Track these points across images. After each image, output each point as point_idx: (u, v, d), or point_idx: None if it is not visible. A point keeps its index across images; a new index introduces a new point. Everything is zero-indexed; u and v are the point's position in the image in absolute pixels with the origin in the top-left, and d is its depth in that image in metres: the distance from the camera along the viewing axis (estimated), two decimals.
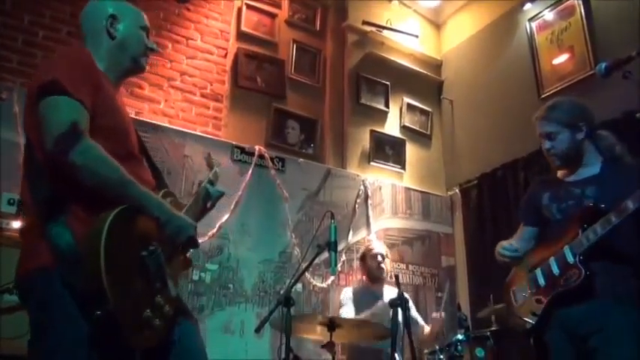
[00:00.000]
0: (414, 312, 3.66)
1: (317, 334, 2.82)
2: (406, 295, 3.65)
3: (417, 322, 3.62)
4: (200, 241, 3.56)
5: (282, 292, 3.81)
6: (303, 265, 3.95)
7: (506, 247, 2.28)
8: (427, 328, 3.59)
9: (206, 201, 1.85)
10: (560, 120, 2.26)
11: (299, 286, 3.88)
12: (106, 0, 1.80)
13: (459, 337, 2.86)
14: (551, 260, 2.13)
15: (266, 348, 3.58)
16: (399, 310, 2.38)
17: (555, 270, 2.11)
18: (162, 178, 1.90)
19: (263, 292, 3.77)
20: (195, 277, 3.55)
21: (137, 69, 1.83)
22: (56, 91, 1.45)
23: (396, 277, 2.68)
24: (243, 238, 3.80)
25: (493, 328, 3.15)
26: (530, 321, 2.13)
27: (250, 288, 3.73)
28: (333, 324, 2.67)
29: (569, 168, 2.31)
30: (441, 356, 2.80)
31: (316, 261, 3.80)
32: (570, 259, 2.06)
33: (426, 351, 2.99)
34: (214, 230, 3.67)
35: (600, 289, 2.01)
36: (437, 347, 2.89)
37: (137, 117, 3.74)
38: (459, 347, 2.84)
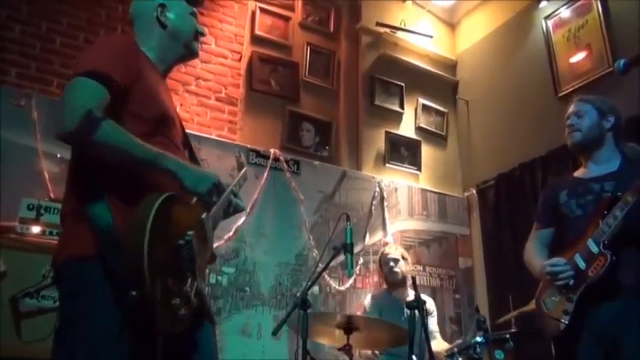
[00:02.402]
0: (433, 324, 3.59)
1: (334, 337, 2.81)
2: (430, 304, 3.64)
3: (431, 332, 3.56)
4: (216, 245, 3.60)
5: (298, 294, 3.82)
6: (320, 268, 3.98)
7: (557, 262, 2.17)
8: (442, 345, 3.48)
9: (229, 209, 1.81)
10: (592, 102, 2.33)
11: (316, 288, 3.87)
12: None
13: (478, 339, 2.82)
14: (577, 256, 2.12)
15: (283, 351, 3.58)
16: (416, 313, 2.35)
17: (582, 265, 2.09)
18: None
19: (280, 295, 3.77)
20: (212, 281, 3.56)
21: (190, 55, 1.85)
22: (80, 72, 1.45)
23: (413, 279, 2.65)
24: (259, 241, 3.80)
25: (513, 330, 3.11)
26: (564, 321, 2.08)
27: (267, 291, 3.73)
28: (350, 325, 2.65)
29: (584, 153, 2.32)
30: (460, 359, 2.76)
31: (333, 263, 3.82)
32: (595, 249, 2.06)
33: (444, 353, 2.95)
34: (231, 234, 3.68)
35: (627, 285, 1.99)
36: (455, 350, 2.85)
37: None
38: (478, 349, 2.80)
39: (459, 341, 3.09)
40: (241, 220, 3.74)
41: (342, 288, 4.01)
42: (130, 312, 1.33)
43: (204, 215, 1.57)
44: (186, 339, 1.53)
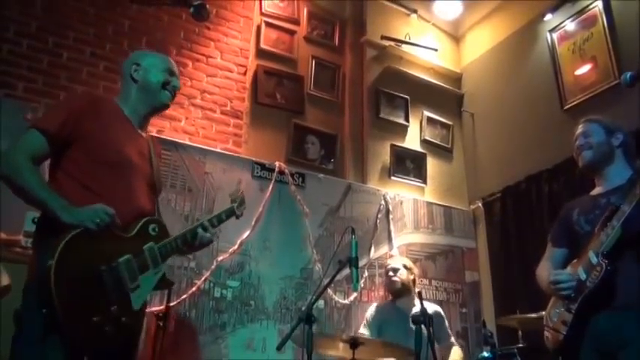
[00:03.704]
0: (444, 330, 3.57)
1: (339, 351, 2.78)
2: (438, 308, 3.62)
3: (447, 337, 3.54)
4: (221, 258, 3.60)
5: (303, 308, 3.79)
6: (325, 282, 3.95)
7: (561, 272, 2.19)
8: (457, 352, 3.45)
9: (194, 241, 2.03)
10: (600, 122, 2.36)
11: (321, 302, 3.85)
12: (136, 52, 2.19)
13: (485, 354, 2.79)
14: (580, 268, 2.13)
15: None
16: (423, 327, 2.32)
17: (583, 276, 2.10)
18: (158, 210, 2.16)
19: (285, 309, 3.74)
20: (217, 295, 3.54)
21: (159, 104, 2.10)
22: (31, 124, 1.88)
23: (419, 293, 2.63)
24: (264, 254, 3.79)
25: (520, 345, 3.07)
26: (563, 332, 2.09)
27: (272, 305, 3.71)
28: (355, 343, 2.63)
29: (596, 171, 2.33)
30: None
31: (338, 277, 3.80)
32: (594, 259, 2.07)
33: None
34: (235, 247, 3.66)
35: (627, 296, 1.98)
36: None
37: (158, 135, 3.79)
38: None
39: None
40: (246, 233, 3.73)
41: (347, 302, 3.98)
42: (47, 325, 1.60)
43: (146, 246, 1.86)
44: (117, 356, 1.79)
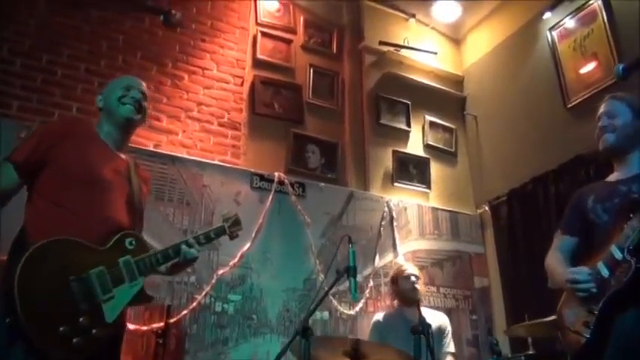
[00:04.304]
0: (448, 345, 3.46)
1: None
2: (444, 319, 3.50)
3: (445, 348, 3.43)
4: (221, 272, 3.54)
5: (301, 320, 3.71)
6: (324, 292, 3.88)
7: (580, 270, 2.01)
8: None
9: (177, 257, 2.01)
10: (627, 101, 2.18)
11: (326, 314, 3.78)
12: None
13: None
14: (600, 264, 1.96)
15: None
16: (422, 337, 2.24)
17: (605, 272, 1.93)
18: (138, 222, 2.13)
19: (288, 322, 3.67)
20: (218, 309, 3.48)
21: (122, 121, 2.09)
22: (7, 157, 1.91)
23: (418, 302, 2.54)
24: (265, 266, 3.72)
25: (529, 353, 2.96)
26: (585, 335, 1.91)
27: (275, 318, 3.64)
28: (356, 351, 2.55)
29: (617, 157, 2.17)
30: None
31: (342, 287, 3.76)
32: (618, 255, 1.90)
33: None
34: (236, 260, 3.60)
35: None
36: None
37: (156, 149, 3.76)
38: None
39: None
40: (246, 245, 3.67)
41: (353, 312, 3.89)
42: (11, 334, 1.59)
43: (122, 259, 1.84)
44: None
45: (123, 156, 2.13)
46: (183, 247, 2.00)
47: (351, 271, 2.60)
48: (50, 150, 1.89)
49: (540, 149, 4.35)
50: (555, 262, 2.20)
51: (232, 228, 2.28)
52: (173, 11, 1.93)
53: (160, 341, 3.05)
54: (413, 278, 3.48)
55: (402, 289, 3.50)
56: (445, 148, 5.06)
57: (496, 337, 2.77)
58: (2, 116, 3.40)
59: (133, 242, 1.91)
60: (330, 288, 2.64)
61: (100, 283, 1.76)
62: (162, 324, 3.16)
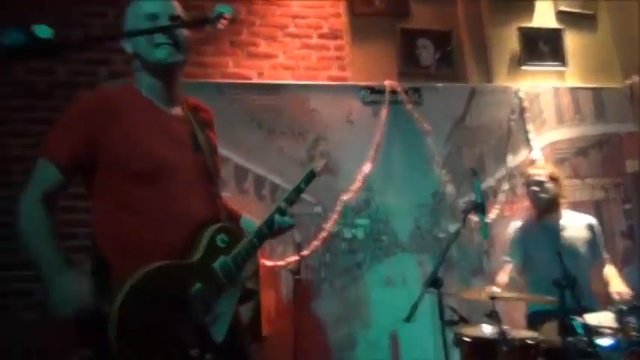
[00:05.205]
0: (599, 247, 3.17)
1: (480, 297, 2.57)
2: (591, 220, 3.19)
3: (599, 256, 3.14)
4: (345, 197, 3.45)
5: (440, 235, 3.58)
6: (459, 202, 3.68)
7: None
8: (622, 287, 3.03)
9: (271, 230, 1.71)
10: None
11: (458, 225, 3.59)
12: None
13: None
14: None
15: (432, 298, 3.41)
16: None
17: None
18: (230, 210, 1.84)
19: (420, 239, 3.55)
20: (348, 235, 3.44)
21: (160, 68, 1.63)
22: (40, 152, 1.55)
23: (559, 254, 2.24)
24: (389, 185, 3.55)
25: None
26: None
27: (406, 237, 3.53)
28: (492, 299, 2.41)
29: None
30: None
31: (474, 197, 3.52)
32: None
33: (623, 305, 2.50)
34: (358, 184, 3.48)
35: None
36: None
37: (259, 80, 3.61)
38: None
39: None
40: (366, 166, 3.51)
41: (488, 220, 3.66)
42: None
43: (216, 264, 1.56)
44: None
45: (176, 111, 1.69)
46: (277, 217, 1.69)
47: (479, 208, 2.39)
48: (95, 144, 1.53)
49: None
50: None
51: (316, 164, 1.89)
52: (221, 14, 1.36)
53: (297, 277, 3.13)
54: (535, 187, 3.20)
55: (532, 198, 3.25)
56: (583, 11, 4.28)
57: None
58: None
59: (225, 238, 1.60)
60: (458, 231, 2.49)
61: (203, 303, 1.50)
62: (296, 257, 3.23)
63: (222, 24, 1.49)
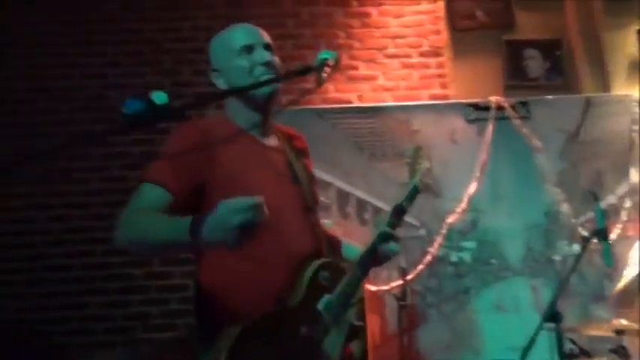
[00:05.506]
0: None
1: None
2: None
3: None
4: (450, 219, 3.36)
5: (554, 257, 3.38)
6: (576, 222, 3.45)
7: None
8: None
9: (375, 258, 1.58)
10: None
11: (576, 247, 3.36)
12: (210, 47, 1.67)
13: None
14: None
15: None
16: None
17: None
18: (331, 237, 1.75)
19: (533, 262, 3.36)
20: (454, 259, 3.35)
21: (261, 102, 1.58)
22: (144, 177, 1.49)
23: None
24: (497, 205, 3.41)
25: None
26: None
27: (517, 260, 3.36)
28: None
29: None
30: None
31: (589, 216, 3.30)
32: None
33: None
34: (464, 205, 3.37)
35: None
36: None
37: (359, 103, 3.63)
38: None
39: None
40: (472, 186, 3.39)
41: (609, 241, 3.39)
42: None
43: (321, 305, 1.45)
44: None
45: (272, 141, 1.65)
46: (381, 244, 1.57)
47: (601, 234, 2.23)
48: (201, 173, 1.48)
49: None
50: None
51: (418, 165, 1.78)
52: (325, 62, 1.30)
53: (402, 303, 3.08)
54: None
55: None
56: None
57: None
58: None
59: (327, 274, 1.51)
60: (578, 259, 2.31)
61: (308, 350, 1.41)
62: (400, 282, 3.19)
63: (326, 72, 1.45)
